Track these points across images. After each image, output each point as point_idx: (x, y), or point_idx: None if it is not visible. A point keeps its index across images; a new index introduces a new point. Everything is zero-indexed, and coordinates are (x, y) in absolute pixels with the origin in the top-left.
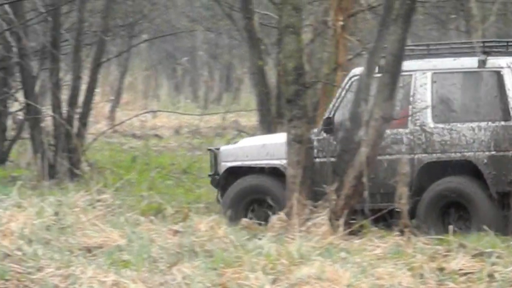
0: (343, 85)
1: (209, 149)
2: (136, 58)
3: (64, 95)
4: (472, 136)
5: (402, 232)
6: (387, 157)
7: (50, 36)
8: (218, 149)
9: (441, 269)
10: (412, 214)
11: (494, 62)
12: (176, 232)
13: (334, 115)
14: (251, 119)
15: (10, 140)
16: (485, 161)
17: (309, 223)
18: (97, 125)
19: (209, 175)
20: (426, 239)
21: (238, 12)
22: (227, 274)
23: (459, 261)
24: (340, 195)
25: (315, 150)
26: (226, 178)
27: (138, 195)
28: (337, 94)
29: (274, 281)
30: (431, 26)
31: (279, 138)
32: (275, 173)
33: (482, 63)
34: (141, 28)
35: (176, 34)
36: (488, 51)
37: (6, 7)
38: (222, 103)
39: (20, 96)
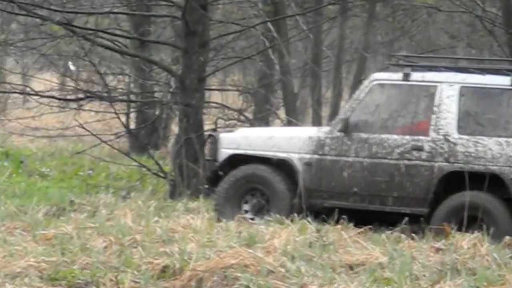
0: (362, 87)
1: (210, 135)
2: None
3: (325, 112)
4: (499, 150)
5: None
6: (406, 162)
7: (311, 53)
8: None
9: None
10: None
11: None
12: (437, 249)
13: (350, 116)
14: None
15: None
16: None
17: None
18: None
19: (207, 160)
20: None
21: (500, 28)
22: None
23: None
24: None
25: (327, 148)
26: (226, 165)
27: None
28: (355, 96)
29: None
30: None
31: (287, 132)
32: (277, 164)
33: None
34: (401, 44)
35: (436, 50)
36: None
37: (269, 25)
38: None
39: (281, 113)
